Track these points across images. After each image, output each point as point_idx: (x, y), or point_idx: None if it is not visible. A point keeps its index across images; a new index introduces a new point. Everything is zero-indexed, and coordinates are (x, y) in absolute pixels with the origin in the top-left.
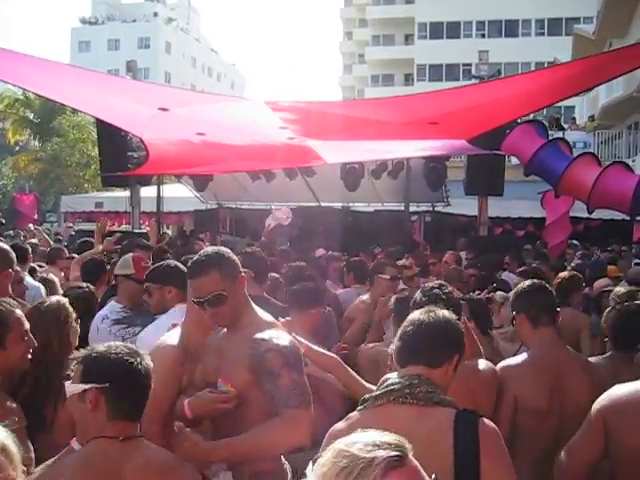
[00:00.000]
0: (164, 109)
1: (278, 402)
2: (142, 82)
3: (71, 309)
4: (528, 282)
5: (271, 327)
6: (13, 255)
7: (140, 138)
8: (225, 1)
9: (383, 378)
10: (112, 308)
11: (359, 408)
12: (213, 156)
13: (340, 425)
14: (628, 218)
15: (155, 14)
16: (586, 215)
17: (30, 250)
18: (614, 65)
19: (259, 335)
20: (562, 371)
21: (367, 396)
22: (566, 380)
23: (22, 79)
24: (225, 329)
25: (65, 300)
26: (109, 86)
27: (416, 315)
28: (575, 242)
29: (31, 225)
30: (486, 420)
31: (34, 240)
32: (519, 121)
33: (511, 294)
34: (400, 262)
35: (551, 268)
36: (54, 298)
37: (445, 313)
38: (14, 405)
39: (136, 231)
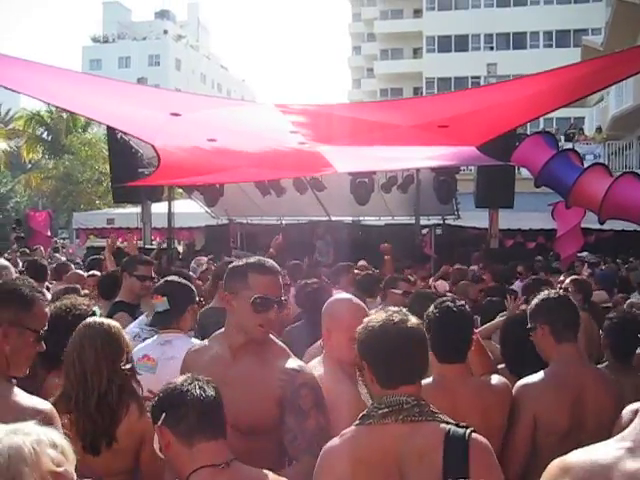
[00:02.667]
0: (176, 114)
1: (300, 445)
2: (155, 88)
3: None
4: (553, 294)
5: (285, 353)
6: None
7: (152, 145)
8: (234, 18)
9: (384, 397)
10: (141, 324)
11: (356, 423)
12: (224, 163)
13: (335, 441)
14: None
15: (165, 32)
16: (597, 226)
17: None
18: (625, 65)
19: (290, 365)
20: (584, 388)
21: (370, 412)
22: (588, 397)
23: (35, 89)
24: (215, 350)
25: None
26: (122, 93)
27: (397, 323)
28: (583, 255)
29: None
30: (477, 435)
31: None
32: (529, 132)
33: (532, 304)
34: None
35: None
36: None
37: (410, 321)
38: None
39: (147, 247)
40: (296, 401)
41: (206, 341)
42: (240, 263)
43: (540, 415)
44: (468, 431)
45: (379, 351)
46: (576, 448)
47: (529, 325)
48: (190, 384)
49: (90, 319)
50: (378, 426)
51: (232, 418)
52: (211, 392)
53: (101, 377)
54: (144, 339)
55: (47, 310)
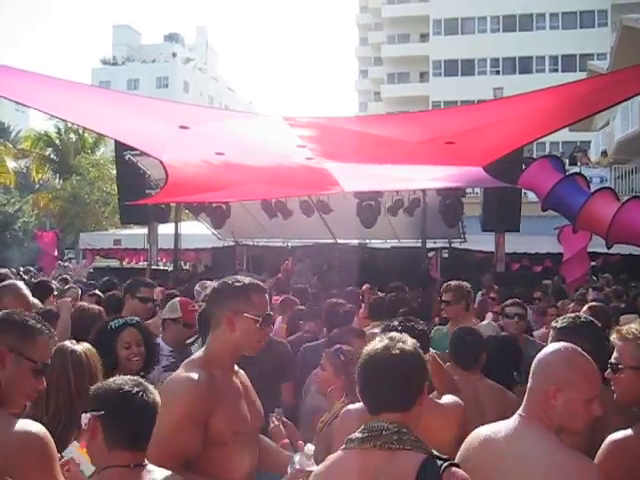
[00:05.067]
0: (185, 127)
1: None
2: (164, 100)
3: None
4: (584, 318)
5: None
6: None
7: (160, 160)
8: (242, 41)
9: (368, 423)
10: (161, 351)
11: (342, 447)
12: (232, 179)
13: (322, 466)
14: None
15: (174, 54)
16: (604, 250)
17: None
18: (631, 84)
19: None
20: None
21: (354, 437)
22: None
23: (43, 103)
24: (210, 378)
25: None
26: (131, 106)
27: (378, 351)
28: (605, 276)
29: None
30: (456, 469)
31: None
32: (535, 156)
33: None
34: None
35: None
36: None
37: (398, 347)
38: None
39: (154, 268)
40: None
41: (191, 373)
42: (238, 284)
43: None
44: (446, 464)
45: (363, 377)
46: None
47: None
48: (139, 397)
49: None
50: (358, 451)
51: (258, 423)
52: (152, 412)
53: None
54: (164, 367)
55: (51, 347)
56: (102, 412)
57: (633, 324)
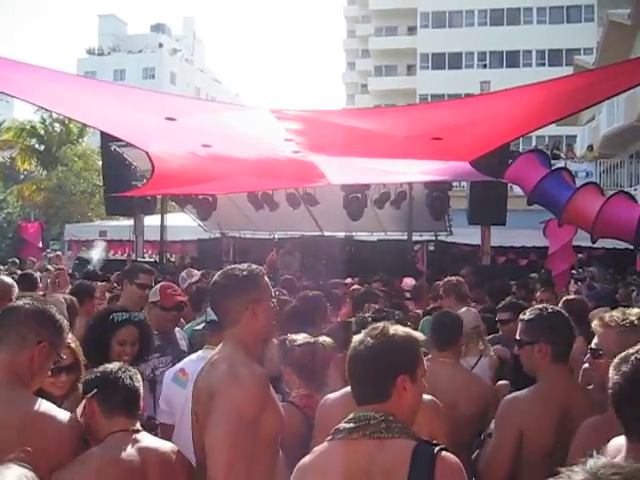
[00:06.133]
0: (171, 118)
1: None
2: (151, 91)
3: None
4: (557, 312)
5: None
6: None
7: (146, 151)
8: (229, 32)
9: (355, 413)
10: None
11: (328, 439)
12: (218, 171)
13: (307, 457)
14: (632, 247)
15: (160, 45)
16: (589, 244)
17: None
18: (617, 80)
19: None
20: (570, 407)
21: (341, 427)
22: (574, 416)
23: (26, 92)
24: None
25: None
26: (118, 97)
27: (354, 344)
28: (590, 269)
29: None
30: (447, 453)
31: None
32: (522, 150)
33: (528, 318)
34: None
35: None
36: None
37: (383, 336)
38: None
39: (140, 260)
40: None
41: (249, 368)
42: (246, 273)
43: (526, 430)
44: (437, 448)
45: (347, 371)
46: (560, 466)
47: (524, 339)
48: (123, 373)
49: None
50: (347, 441)
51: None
52: (137, 384)
53: None
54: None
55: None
56: (94, 390)
57: (615, 311)
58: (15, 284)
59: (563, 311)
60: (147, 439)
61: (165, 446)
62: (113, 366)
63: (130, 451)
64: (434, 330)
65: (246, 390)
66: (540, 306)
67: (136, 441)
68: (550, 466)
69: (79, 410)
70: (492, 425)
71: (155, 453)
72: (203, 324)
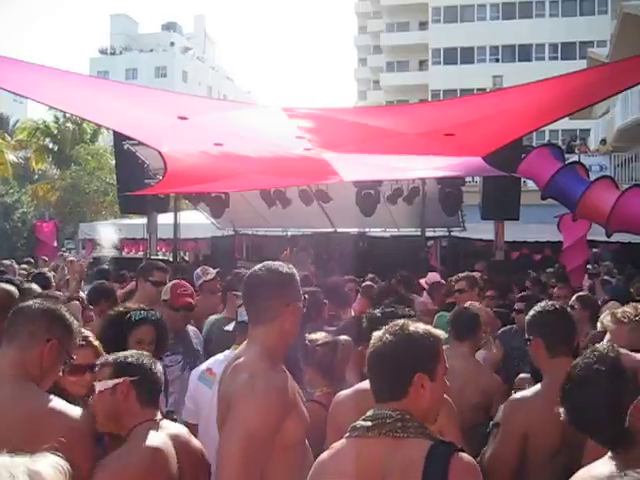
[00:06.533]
0: (183, 118)
1: None
2: (163, 91)
3: None
4: (549, 305)
5: None
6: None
7: (158, 151)
8: (240, 30)
9: (372, 410)
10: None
11: (346, 435)
12: (231, 169)
13: (325, 454)
14: None
15: (172, 44)
16: (604, 238)
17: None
18: (631, 74)
19: None
20: None
21: (358, 425)
22: None
23: (41, 93)
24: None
25: None
26: (130, 97)
27: (373, 341)
28: (606, 264)
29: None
30: (462, 454)
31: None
32: (535, 145)
33: (529, 315)
34: None
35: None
36: None
37: (401, 333)
38: None
39: (154, 258)
40: None
41: (271, 379)
42: (287, 272)
43: (531, 432)
44: (453, 449)
45: (368, 365)
46: (567, 466)
47: (526, 336)
48: (156, 365)
49: None
50: (363, 439)
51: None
52: (162, 375)
53: None
54: None
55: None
56: (136, 377)
57: (627, 307)
58: (17, 293)
59: (563, 307)
60: (174, 427)
61: (193, 439)
62: (147, 357)
63: (168, 440)
64: (453, 323)
65: (261, 406)
66: (542, 303)
67: (167, 429)
68: (556, 465)
69: (103, 386)
70: (499, 413)
71: (185, 442)
72: (234, 324)
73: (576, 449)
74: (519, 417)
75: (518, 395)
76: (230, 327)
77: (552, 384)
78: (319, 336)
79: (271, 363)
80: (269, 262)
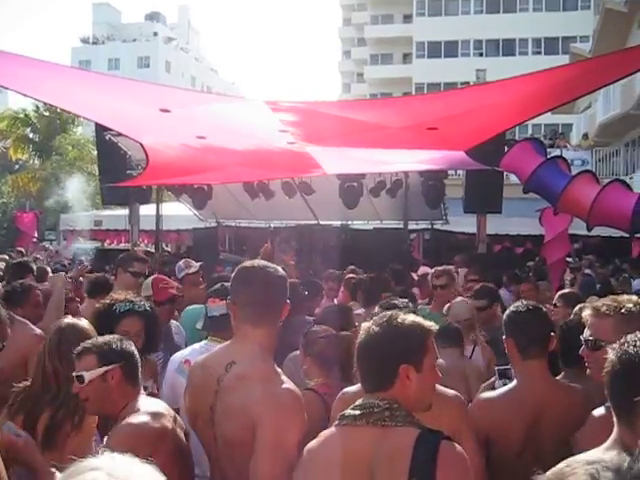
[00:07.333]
0: (166, 110)
1: None
2: (145, 83)
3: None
4: (523, 306)
5: None
6: None
7: (140, 143)
8: (224, 21)
9: (361, 399)
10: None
11: (335, 424)
12: (213, 162)
13: (314, 442)
14: (627, 235)
15: (155, 34)
16: (584, 232)
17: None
18: (612, 69)
19: None
20: (544, 406)
21: (347, 413)
22: (548, 416)
23: (20, 83)
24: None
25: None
26: (111, 88)
27: (362, 332)
28: (588, 257)
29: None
30: (450, 442)
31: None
32: (517, 139)
33: (505, 314)
34: None
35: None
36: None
37: (388, 324)
38: None
39: (140, 249)
40: None
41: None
42: (280, 274)
43: (492, 434)
44: (440, 437)
45: (357, 358)
46: (533, 465)
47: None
48: (134, 347)
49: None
50: (351, 427)
51: None
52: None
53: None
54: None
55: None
56: (122, 362)
57: (606, 300)
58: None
59: (539, 307)
60: (160, 401)
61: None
62: (127, 340)
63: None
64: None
65: (292, 420)
66: (517, 303)
67: (158, 401)
68: (520, 467)
69: (92, 376)
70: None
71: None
72: (201, 322)
73: (541, 449)
74: (479, 419)
75: (483, 397)
76: (199, 325)
77: (522, 387)
78: (319, 328)
79: (272, 363)
80: (262, 262)
